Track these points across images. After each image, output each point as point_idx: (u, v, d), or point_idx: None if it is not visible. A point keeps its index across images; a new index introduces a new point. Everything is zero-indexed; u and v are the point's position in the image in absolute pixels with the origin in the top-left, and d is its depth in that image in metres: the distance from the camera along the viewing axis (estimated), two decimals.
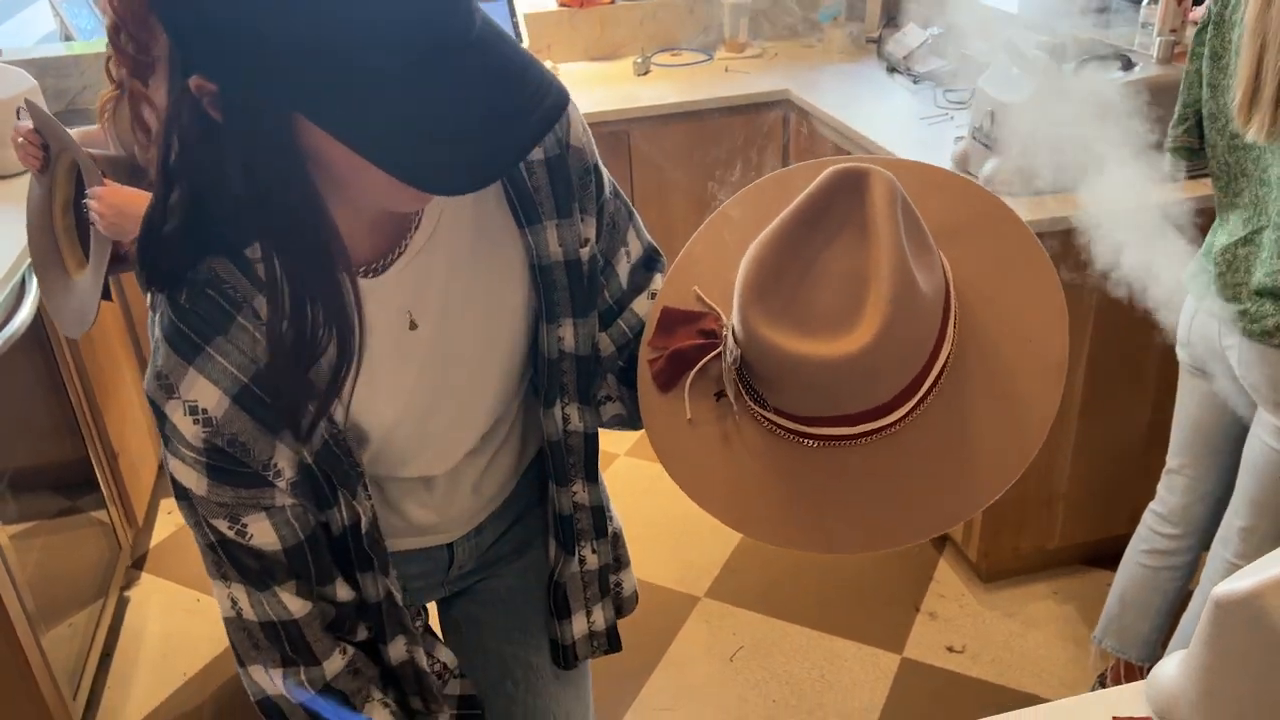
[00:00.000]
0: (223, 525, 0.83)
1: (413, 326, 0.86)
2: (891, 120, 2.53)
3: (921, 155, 2.25)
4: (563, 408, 0.98)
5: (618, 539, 1.18)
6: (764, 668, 2.20)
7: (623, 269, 1.00)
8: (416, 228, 0.83)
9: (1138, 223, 1.70)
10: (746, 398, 0.84)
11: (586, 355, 0.97)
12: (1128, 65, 2.09)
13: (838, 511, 0.80)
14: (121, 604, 2.46)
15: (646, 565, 2.53)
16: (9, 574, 1.79)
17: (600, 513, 1.10)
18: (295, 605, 0.87)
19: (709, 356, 0.86)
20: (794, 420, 0.80)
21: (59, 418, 2.26)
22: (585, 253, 0.93)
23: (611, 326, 1.00)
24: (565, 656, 1.16)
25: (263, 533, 0.84)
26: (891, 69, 2.99)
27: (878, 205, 0.74)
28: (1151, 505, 1.84)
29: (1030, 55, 2.04)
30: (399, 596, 0.96)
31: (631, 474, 2.88)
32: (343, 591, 0.91)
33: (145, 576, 2.56)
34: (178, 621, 2.41)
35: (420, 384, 0.89)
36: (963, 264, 0.84)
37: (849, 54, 3.19)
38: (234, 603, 0.86)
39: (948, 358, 0.80)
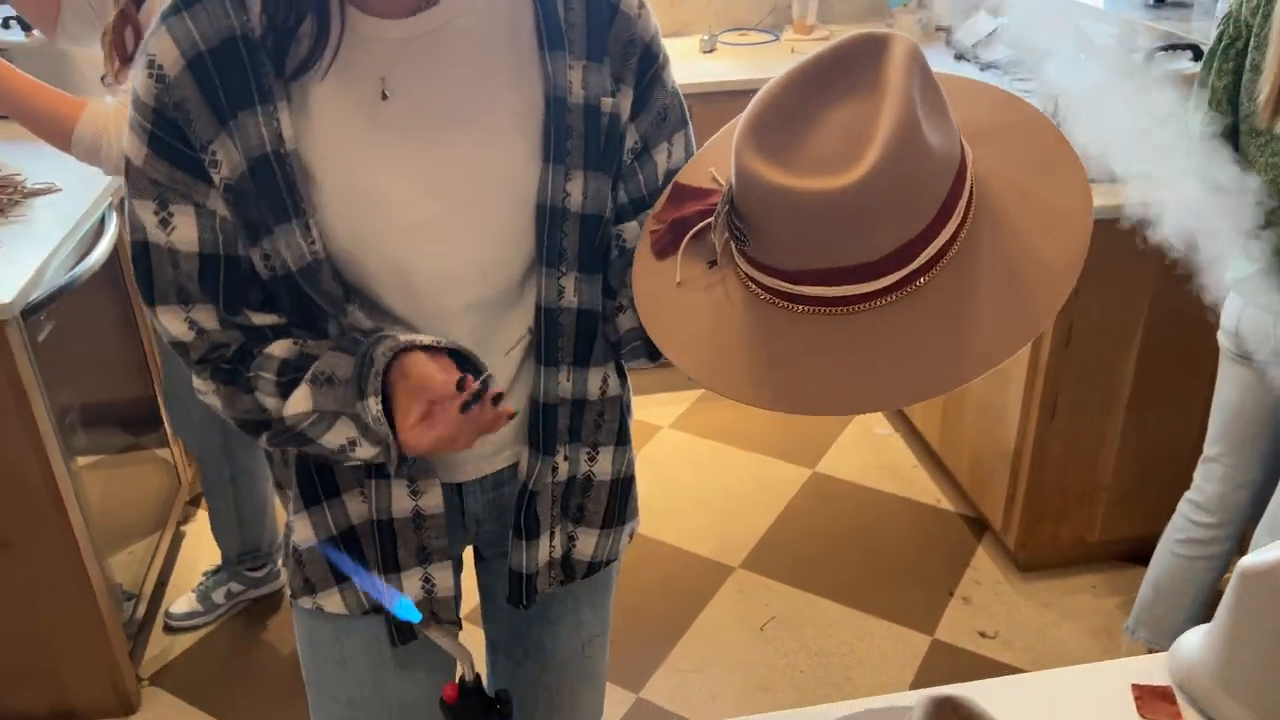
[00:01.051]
0: (150, 210, 0.85)
1: (384, 97, 0.85)
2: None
3: None
4: (560, 275, 0.92)
5: (617, 490, 1.09)
6: (794, 639, 2.22)
7: (661, 161, 0.96)
8: (435, 3, 0.84)
9: (1200, 214, 1.69)
10: (736, 255, 0.82)
11: (594, 217, 0.91)
12: (1198, 56, 2.06)
13: (808, 375, 0.76)
14: (178, 537, 2.56)
15: (684, 534, 2.56)
16: (78, 501, 1.88)
17: (581, 409, 1.02)
18: (216, 324, 0.89)
19: (707, 220, 0.84)
20: (782, 278, 0.77)
21: (130, 356, 2.35)
22: (609, 104, 0.90)
23: (641, 215, 0.96)
24: (527, 591, 1.04)
25: (185, 228, 0.85)
26: (959, 56, 2.98)
27: (894, 64, 0.72)
28: (1188, 494, 1.83)
29: (1099, 43, 2.02)
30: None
31: (675, 446, 2.91)
32: (262, 318, 0.90)
33: (201, 514, 2.66)
34: None
35: (385, 159, 0.86)
36: (989, 161, 0.81)
37: (917, 40, 3.16)
38: (187, 324, 0.89)
39: (954, 234, 0.77)
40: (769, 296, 0.79)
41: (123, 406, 2.31)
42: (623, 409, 1.06)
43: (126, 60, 1.67)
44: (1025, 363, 2.13)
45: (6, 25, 2.54)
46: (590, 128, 0.89)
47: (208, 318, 0.90)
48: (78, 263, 1.91)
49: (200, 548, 2.52)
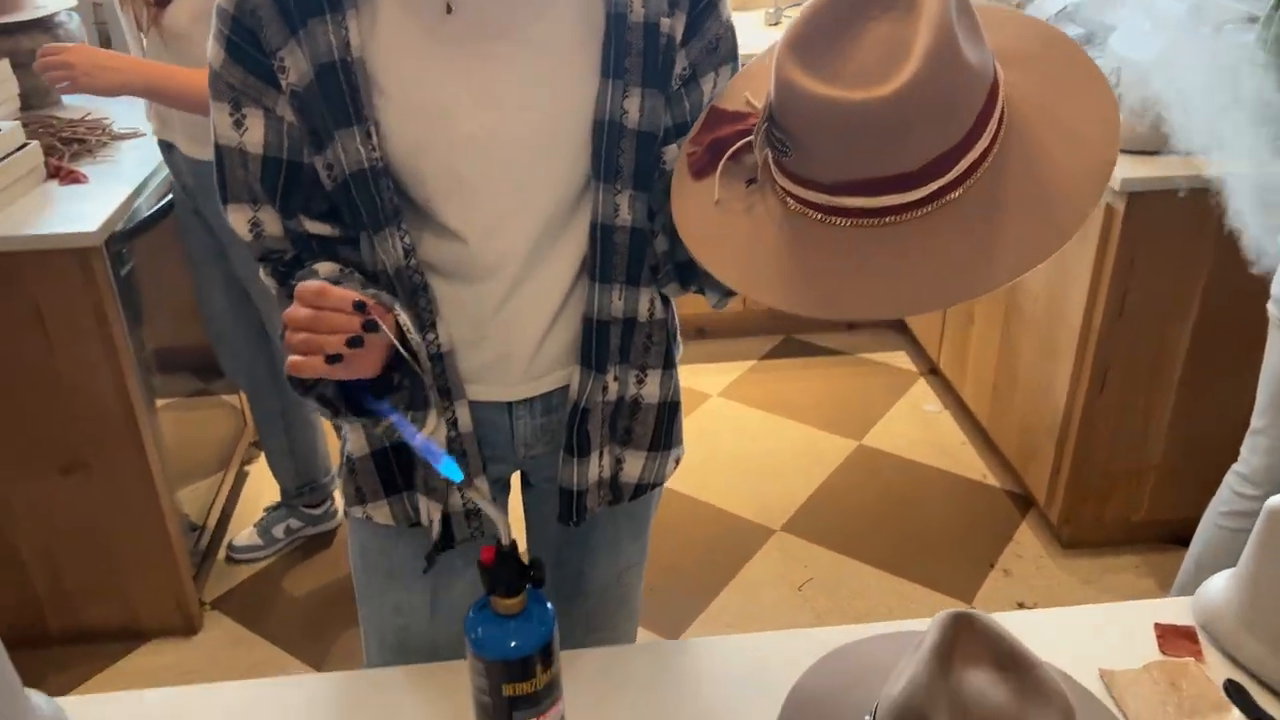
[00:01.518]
0: (225, 112, 0.92)
1: (448, 10, 0.88)
2: None
3: None
4: (615, 193, 0.94)
5: (664, 414, 1.12)
6: (831, 600, 2.26)
7: (707, 90, 0.98)
8: None
9: (1264, 187, 1.68)
10: (774, 172, 0.84)
11: (650, 134, 0.93)
12: None
13: (841, 280, 0.79)
14: (241, 476, 2.67)
15: (727, 496, 2.60)
16: (157, 448, 1.99)
17: (631, 329, 1.04)
18: (277, 230, 0.96)
19: (745, 139, 0.86)
20: (821, 190, 0.79)
21: None
22: (667, 24, 0.92)
23: (682, 140, 0.97)
24: (577, 508, 1.08)
25: (255, 130, 0.91)
26: None
27: None
28: (1234, 466, 1.82)
29: (1165, 12, 2.01)
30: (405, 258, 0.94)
31: (723, 414, 2.95)
32: (316, 227, 0.95)
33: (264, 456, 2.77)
34: None
35: (446, 71, 0.88)
36: (1019, 85, 0.83)
37: None
38: (250, 224, 0.96)
39: (987, 149, 0.80)
40: (807, 210, 0.81)
41: (194, 353, 2.42)
42: (669, 334, 1.09)
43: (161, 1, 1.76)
44: (1076, 333, 2.13)
45: None
46: (649, 46, 0.91)
47: (270, 220, 0.96)
48: (158, 202, 2.01)
49: (262, 486, 2.63)
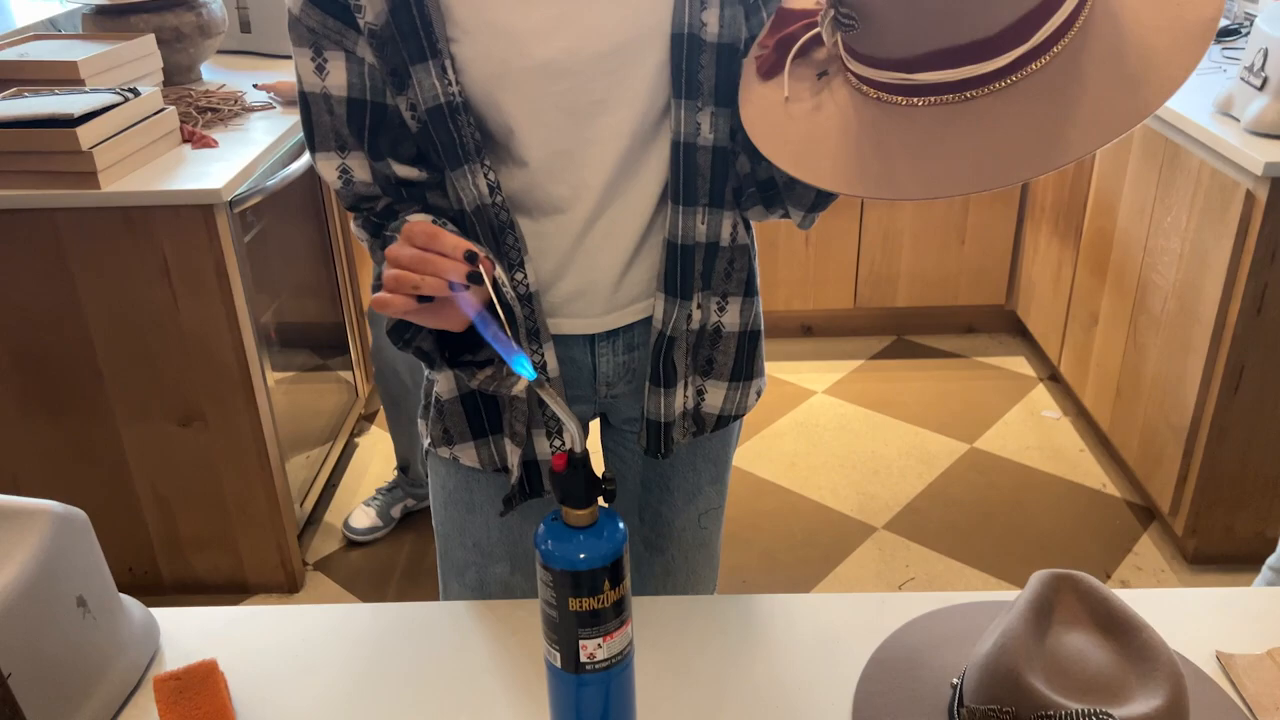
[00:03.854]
0: (308, 57, 0.91)
1: None
2: None
3: (1179, 102, 2.11)
4: (697, 110, 0.92)
5: (745, 343, 1.09)
6: None
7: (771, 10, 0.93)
8: None
9: None
10: (846, 59, 0.80)
11: (730, 46, 0.91)
12: None
13: (908, 162, 0.74)
14: (350, 447, 2.74)
15: (828, 491, 2.54)
16: (270, 409, 2.07)
17: (714, 254, 1.02)
18: (365, 176, 0.95)
19: (810, 34, 0.82)
20: (898, 68, 0.75)
21: (324, 282, 2.54)
22: None
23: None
24: (665, 440, 1.07)
25: (337, 73, 0.91)
26: None
27: None
28: None
29: None
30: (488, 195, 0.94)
31: (828, 411, 2.88)
32: (405, 171, 0.95)
33: (374, 429, 2.84)
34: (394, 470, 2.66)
35: (524, 1, 0.87)
36: None
37: None
38: (339, 171, 0.96)
39: (1071, 15, 0.73)
40: (883, 94, 0.77)
41: (315, 330, 2.50)
42: (750, 259, 1.07)
43: None
44: (1209, 330, 2.00)
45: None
46: None
47: (359, 166, 0.96)
48: (283, 169, 2.09)
49: (370, 458, 2.69)
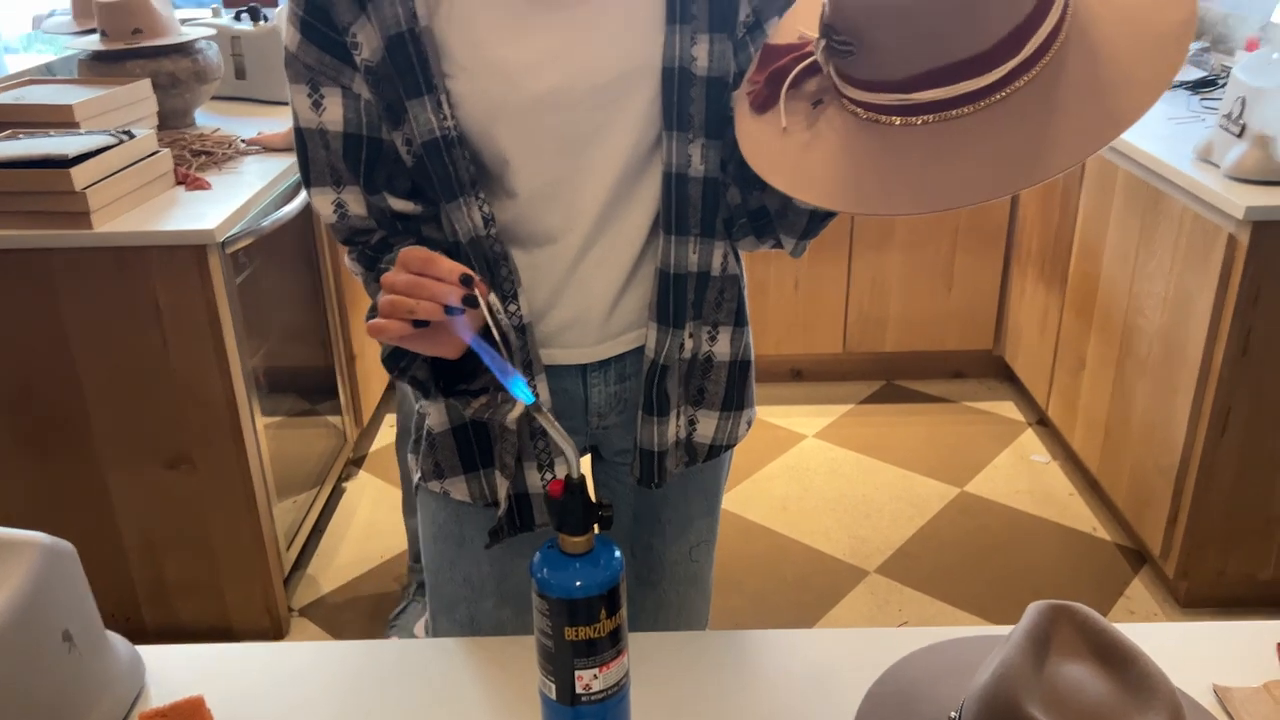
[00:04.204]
0: (304, 94, 0.92)
1: None
2: None
3: (1161, 150, 2.16)
4: (688, 142, 0.93)
5: (733, 373, 1.10)
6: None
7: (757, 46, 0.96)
8: None
9: None
10: (841, 85, 0.81)
11: (719, 80, 0.92)
12: None
13: (904, 180, 0.76)
14: (338, 492, 2.72)
15: (819, 535, 2.53)
16: (259, 452, 2.06)
17: (705, 284, 1.03)
18: (360, 210, 0.95)
19: (803, 65, 0.84)
20: (894, 89, 0.76)
21: (314, 326, 2.54)
22: None
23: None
24: (658, 469, 1.06)
25: (333, 108, 0.92)
26: None
27: None
28: None
29: None
30: (484, 225, 0.95)
31: (818, 455, 2.88)
32: (400, 204, 0.95)
33: (362, 474, 2.82)
34: (383, 514, 2.64)
35: (512, 33, 0.89)
36: None
37: None
38: (334, 205, 0.96)
39: (1059, 23, 0.75)
40: (879, 116, 0.79)
41: (305, 375, 2.49)
42: (740, 289, 1.08)
43: None
44: (1195, 371, 2.02)
45: (239, 18, 2.83)
46: None
47: (354, 201, 0.97)
48: (275, 211, 2.10)
49: (358, 503, 2.67)
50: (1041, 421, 3.01)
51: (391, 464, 2.86)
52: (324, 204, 0.97)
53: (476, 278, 0.81)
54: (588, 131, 0.94)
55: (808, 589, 2.34)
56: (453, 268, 0.80)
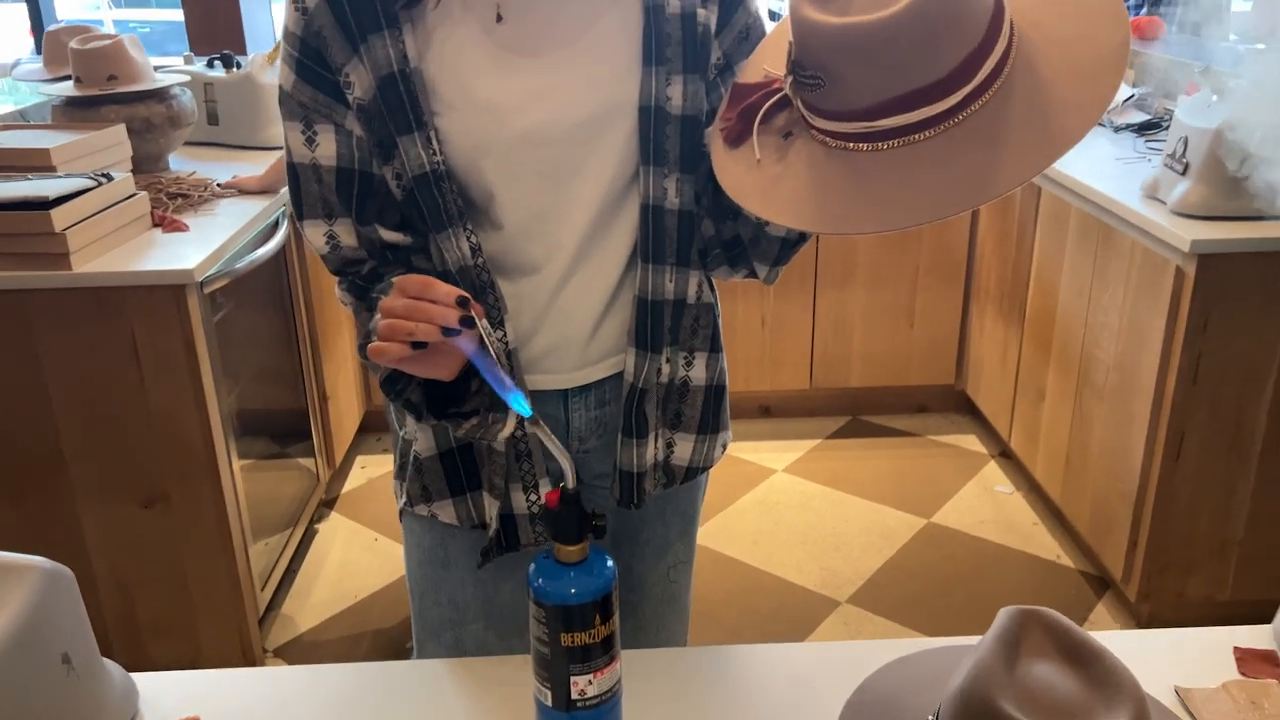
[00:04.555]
0: (298, 130, 0.97)
1: (498, 19, 0.93)
2: (1083, 158, 2.54)
3: (1111, 188, 2.25)
4: (664, 176, 0.98)
5: (711, 397, 1.15)
6: None
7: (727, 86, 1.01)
8: None
9: None
10: (809, 117, 0.87)
11: (694, 118, 0.98)
12: None
13: (868, 198, 0.82)
14: (310, 533, 2.72)
15: (791, 568, 2.56)
16: (235, 491, 2.07)
17: (681, 311, 1.07)
18: (352, 241, 0.99)
19: (772, 100, 0.89)
20: (861, 118, 0.81)
21: (287, 368, 2.55)
22: (703, 15, 0.97)
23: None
24: (637, 490, 1.10)
25: (326, 144, 0.96)
26: None
27: None
28: None
29: (1231, 84, 2.03)
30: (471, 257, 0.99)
31: (787, 489, 2.93)
32: (390, 235, 0.99)
33: (334, 515, 2.82)
34: (355, 555, 2.63)
35: (499, 74, 0.94)
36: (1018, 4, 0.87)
37: None
38: (326, 237, 1.00)
39: (1006, 52, 0.81)
40: (846, 144, 0.84)
41: (278, 417, 2.50)
42: (715, 317, 1.12)
43: None
44: (1150, 399, 2.09)
45: (211, 65, 2.87)
46: (687, 35, 0.97)
47: (346, 232, 1.01)
48: (253, 252, 2.13)
49: (330, 544, 2.67)
50: (1004, 453, 3.08)
51: (363, 505, 2.86)
52: (316, 235, 1.01)
53: (472, 301, 0.85)
54: (569, 166, 0.98)
55: (781, 620, 2.37)
56: (450, 291, 0.83)
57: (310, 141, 0.98)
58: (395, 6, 0.93)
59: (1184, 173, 2.06)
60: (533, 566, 0.81)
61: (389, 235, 1.01)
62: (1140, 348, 2.13)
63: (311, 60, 0.95)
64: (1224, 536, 2.15)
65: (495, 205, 1.00)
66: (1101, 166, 2.44)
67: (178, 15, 3.64)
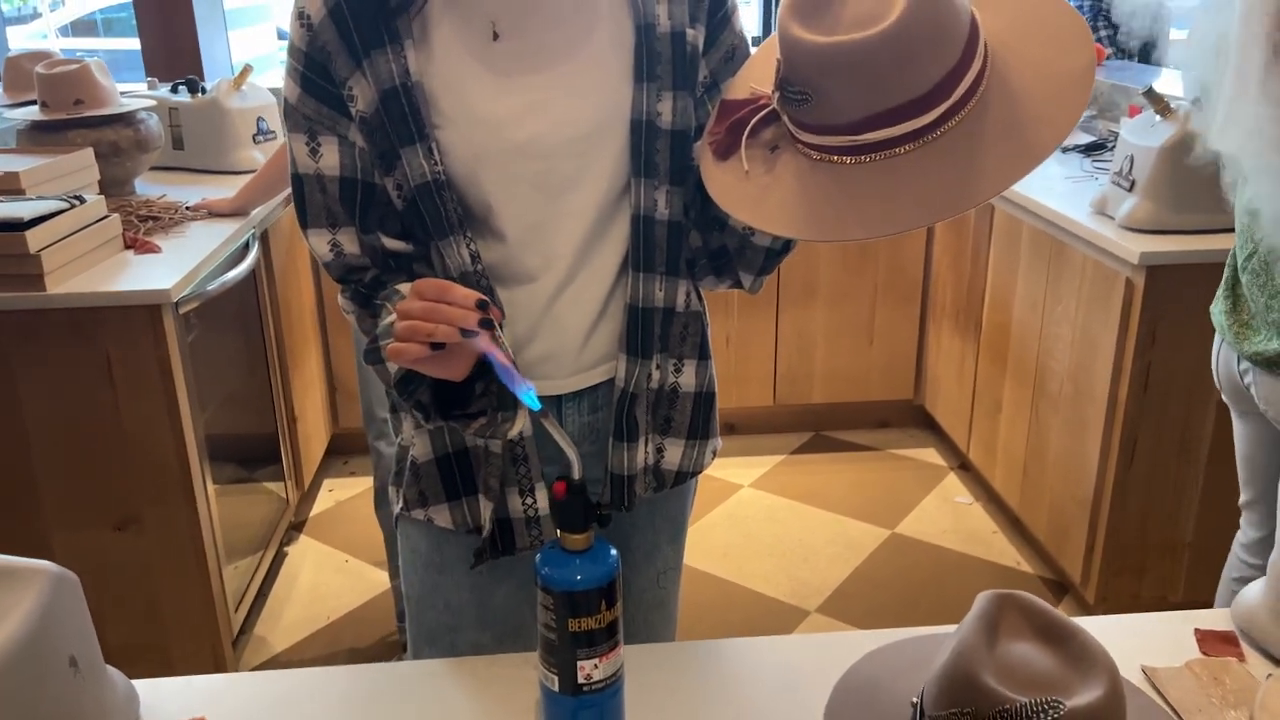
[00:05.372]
0: (302, 142, 1.00)
1: (495, 37, 0.97)
2: (1034, 177, 2.62)
3: (1061, 204, 2.35)
4: (654, 188, 1.02)
5: (697, 403, 1.18)
6: None
7: (714, 103, 1.05)
8: None
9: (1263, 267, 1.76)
10: (796, 131, 0.91)
11: (683, 133, 1.02)
12: None
13: (852, 207, 0.86)
14: (280, 556, 2.70)
15: (761, 580, 2.61)
16: (209, 512, 2.07)
17: (670, 319, 1.11)
18: (355, 249, 1.02)
19: (760, 115, 0.94)
20: (846, 132, 0.86)
21: (255, 392, 2.55)
22: (692, 34, 1.01)
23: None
24: (628, 493, 1.13)
25: (330, 155, 1.00)
26: None
27: None
28: (1237, 536, 1.83)
29: (1174, 104, 2.14)
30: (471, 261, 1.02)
31: (755, 503, 2.97)
32: (392, 244, 1.02)
33: (303, 538, 2.81)
34: (326, 577, 2.63)
35: (496, 89, 0.97)
36: (990, 24, 0.92)
37: None
38: (330, 245, 1.03)
39: (982, 69, 0.87)
40: (831, 157, 0.89)
41: (249, 442, 2.49)
42: (703, 325, 1.16)
43: None
44: (1103, 407, 2.18)
45: (175, 90, 2.88)
46: (677, 53, 1.01)
47: (349, 240, 1.04)
48: (224, 274, 2.14)
49: (301, 567, 2.66)
50: (963, 465, 3.16)
51: (333, 528, 2.86)
52: (320, 244, 1.04)
53: (490, 303, 0.89)
54: (564, 179, 1.02)
55: (754, 630, 2.41)
56: (467, 294, 0.87)
57: (314, 153, 1.01)
58: (397, 23, 0.97)
59: (1131, 189, 2.16)
60: (539, 556, 0.84)
61: (391, 243, 1.04)
62: (1093, 358, 2.22)
63: (316, 74, 0.98)
64: (1174, 539, 2.24)
65: (493, 215, 1.03)
66: (1051, 185, 2.54)
67: (126, 44, 3.63)
